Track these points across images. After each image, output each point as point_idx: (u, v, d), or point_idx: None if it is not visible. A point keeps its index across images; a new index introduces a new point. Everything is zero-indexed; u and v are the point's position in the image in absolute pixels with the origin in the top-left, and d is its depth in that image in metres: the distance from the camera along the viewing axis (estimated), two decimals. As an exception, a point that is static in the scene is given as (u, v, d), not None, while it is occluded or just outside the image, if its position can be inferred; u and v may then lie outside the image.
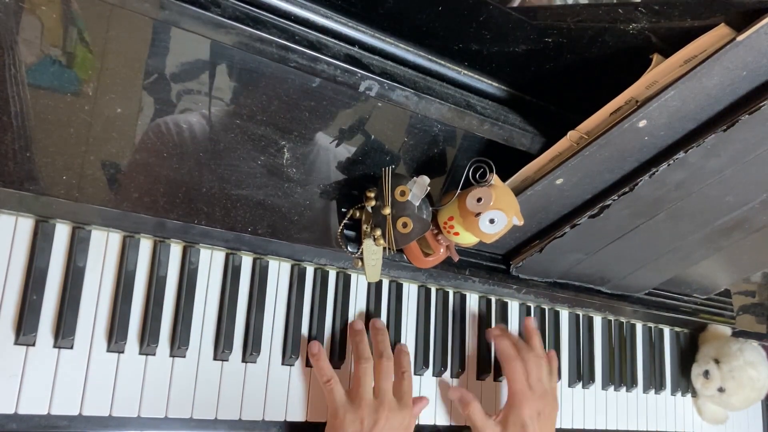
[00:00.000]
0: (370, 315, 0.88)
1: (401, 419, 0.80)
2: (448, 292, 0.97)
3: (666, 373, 1.26)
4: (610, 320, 1.18)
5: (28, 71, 0.57)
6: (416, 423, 0.89)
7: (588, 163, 0.77)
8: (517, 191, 0.80)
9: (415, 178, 0.74)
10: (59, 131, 0.60)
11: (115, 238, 0.71)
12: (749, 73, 0.69)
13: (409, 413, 0.81)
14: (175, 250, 0.74)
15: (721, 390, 1.22)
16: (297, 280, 0.82)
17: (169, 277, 0.73)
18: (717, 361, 1.23)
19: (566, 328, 1.11)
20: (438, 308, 0.96)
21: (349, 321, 0.86)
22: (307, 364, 0.82)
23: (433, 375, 0.94)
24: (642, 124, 0.72)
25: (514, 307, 1.05)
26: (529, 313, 1.06)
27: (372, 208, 0.76)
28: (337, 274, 0.86)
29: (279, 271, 0.81)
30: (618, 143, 0.75)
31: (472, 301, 1.00)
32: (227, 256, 0.78)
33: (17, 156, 0.58)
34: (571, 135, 0.75)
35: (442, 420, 0.93)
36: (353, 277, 0.87)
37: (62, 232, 0.68)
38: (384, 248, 0.77)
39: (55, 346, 0.66)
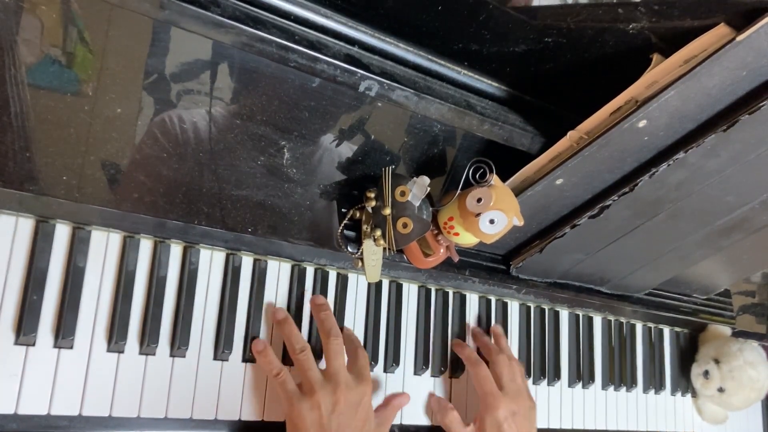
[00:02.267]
0: (370, 315, 0.88)
1: (360, 394, 0.75)
2: (448, 293, 0.97)
3: (666, 373, 1.26)
4: (610, 320, 1.18)
5: (28, 71, 0.57)
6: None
7: (588, 164, 0.77)
8: (517, 191, 0.80)
9: (415, 178, 0.74)
10: (59, 131, 0.60)
11: (115, 238, 0.71)
12: (749, 73, 0.69)
13: (367, 387, 0.77)
14: (175, 250, 0.74)
15: (721, 390, 1.22)
16: (297, 280, 0.82)
17: (169, 278, 0.73)
18: (717, 361, 1.23)
19: (566, 328, 1.11)
20: (438, 308, 0.96)
21: (349, 322, 0.86)
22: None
23: (432, 375, 0.94)
24: (642, 124, 0.72)
25: (514, 308, 1.05)
26: (529, 314, 1.06)
27: (372, 208, 0.76)
28: (337, 274, 0.86)
29: (279, 271, 0.81)
30: (618, 143, 0.75)
31: (472, 302, 1.00)
32: (227, 256, 0.78)
33: (17, 156, 0.58)
34: (571, 135, 0.75)
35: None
36: (353, 277, 0.87)
37: (62, 232, 0.68)
38: (384, 248, 0.77)
39: (55, 346, 0.66)
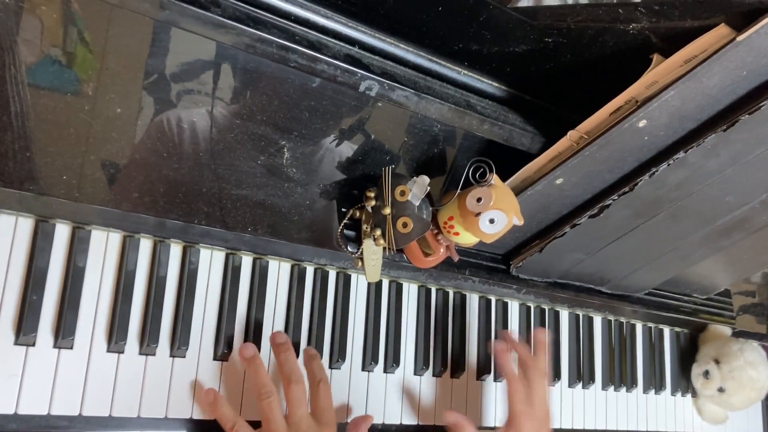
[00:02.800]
0: (370, 315, 0.88)
1: None
2: (448, 292, 0.97)
3: (666, 373, 1.26)
4: (610, 320, 1.18)
5: (28, 71, 0.57)
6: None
7: (588, 163, 0.77)
8: (517, 191, 0.80)
9: (415, 177, 0.74)
10: (59, 131, 0.60)
11: (115, 238, 0.71)
12: (749, 73, 0.69)
13: (330, 430, 0.74)
14: (175, 250, 0.74)
15: (721, 390, 1.22)
16: (297, 280, 0.82)
17: (169, 277, 0.73)
18: (717, 361, 1.23)
19: (566, 328, 1.11)
20: (438, 308, 0.96)
21: (349, 322, 0.86)
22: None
23: (433, 375, 0.94)
24: (642, 124, 0.72)
25: (514, 307, 1.05)
26: (529, 314, 1.06)
27: (372, 208, 0.76)
28: (337, 274, 0.86)
29: (279, 271, 0.81)
30: (618, 143, 0.75)
31: (472, 301, 1.00)
32: (227, 256, 0.78)
33: (17, 156, 0.58)
34: (571, 135, 0.75)
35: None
36: (353, 277, 0.87)
37: (62, 232, 0.68)
38: (384, 248, 0.77)
39: (55, 346, 0.66)
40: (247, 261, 0.79)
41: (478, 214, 0.73)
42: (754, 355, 1.22)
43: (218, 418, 0.72)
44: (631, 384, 1.18)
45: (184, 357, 0.73)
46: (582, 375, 1.11)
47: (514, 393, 0.88)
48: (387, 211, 0.74)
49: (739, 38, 0.63)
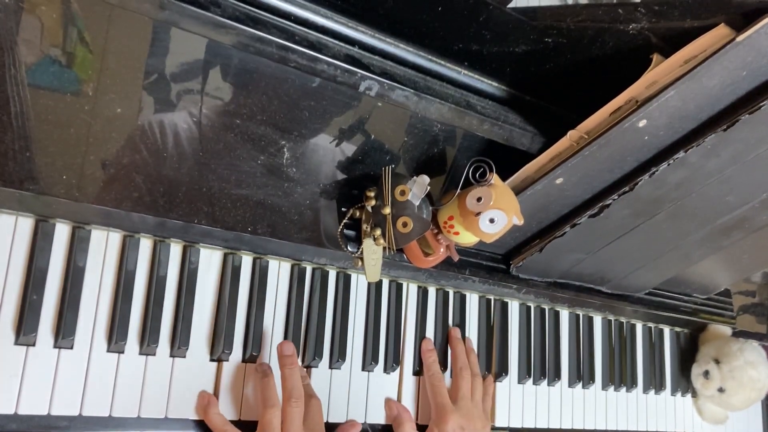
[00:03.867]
0: (370, 315, 0.88)
1: None
2: (448, 292, 0.97)
3: (666, 373, 1.26)
4: (610, 320, 1.18)
5: (28, 71, 0.57)
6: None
7: (588, 163, 0.77)
8: (517, 191, 0.80)
9: (415, 177, 0.74)
10: (59, 131, 0.60)
11: (115, 237, 0.71)
12: (749, 73, 0.69)
13: None
14: (175, 249, 0.74)
15: (721, 390, 1.23)
16: (297, 280, 0.82)
17: (169, 277, 0.73)
18: (717, 361, 1.23)
19: (566, 328, 1.11)
20: (438, 308, 0.96)
21: (349, 322, 0.86)
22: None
23: (433, 375, 0.94)
24: (642, 123, 0.72)
25: (514, 307, 1.05)
26: (529, 313, 1.06)
27: (372, 207, 0.76)
28: (337, 274, 0.86)
29: (279, 271, 0.81)
30: (618, 143, 0.75)
31: (472, 301, 1.00)
32: (227, 255, 0.78)
33: (17, 156, 0.58)
34: (571, 135, 0.75)
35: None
36: (353, 277, 0.87)
37: (62, 231, 0.68)
38: (384, 248, 0.77)
39: (55, 346, 0.66)
40: (247, 261, 0.79)
41: (478, 214, 0.73)
42: (754, 355, 1.22)
43: (208, 422, 0.72)
44: (631, 384, 1.18)
45: (184, 357, 0.73)
46: (582, 375, 1.11)
47: (433, 388, 0.90)
48: (387, 210, 0.74)
49: (739, 38, 0.63)
